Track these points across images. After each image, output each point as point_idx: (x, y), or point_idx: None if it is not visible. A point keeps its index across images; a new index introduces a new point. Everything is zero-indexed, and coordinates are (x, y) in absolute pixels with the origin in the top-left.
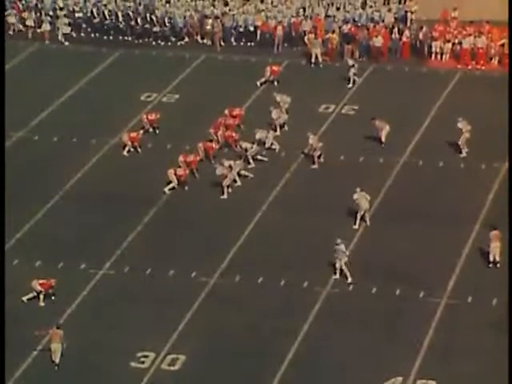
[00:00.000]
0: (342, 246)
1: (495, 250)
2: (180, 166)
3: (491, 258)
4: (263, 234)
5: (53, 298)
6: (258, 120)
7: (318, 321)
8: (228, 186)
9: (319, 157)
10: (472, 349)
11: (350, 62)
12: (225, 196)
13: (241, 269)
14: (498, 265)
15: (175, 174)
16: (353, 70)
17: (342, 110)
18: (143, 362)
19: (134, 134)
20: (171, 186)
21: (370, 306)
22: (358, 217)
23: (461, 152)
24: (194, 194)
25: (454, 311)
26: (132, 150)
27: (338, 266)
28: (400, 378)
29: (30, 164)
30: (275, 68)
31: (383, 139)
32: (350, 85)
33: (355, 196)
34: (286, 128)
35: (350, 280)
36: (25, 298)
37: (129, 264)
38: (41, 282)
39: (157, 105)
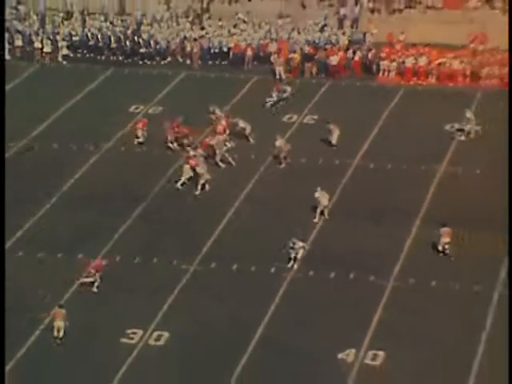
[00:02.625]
0: (298, 244)
1: (444, 244)
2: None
3: (440, 248)
4: (236, 227)
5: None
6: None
7: (283, 303)
8: (204, 185)
9: (285, 158)
10: (415, 324)
11: (288, 89)
12: (197, 192)
13: (216, 258)
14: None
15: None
16: (285, 95)
17: (304, 119)
18: (132, 338)
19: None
20: (184, 180)
21: (328, 289)
22: (318, 212)
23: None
24: (177, 192)
25: (398, 292)
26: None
27: (292, 256)
28: (354, 350)
29: (33, 167)
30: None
31: (334, 142)
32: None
33: (316, 194)
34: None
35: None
36: (81, 281)
37: (120, 254)
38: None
39: (144, 116)
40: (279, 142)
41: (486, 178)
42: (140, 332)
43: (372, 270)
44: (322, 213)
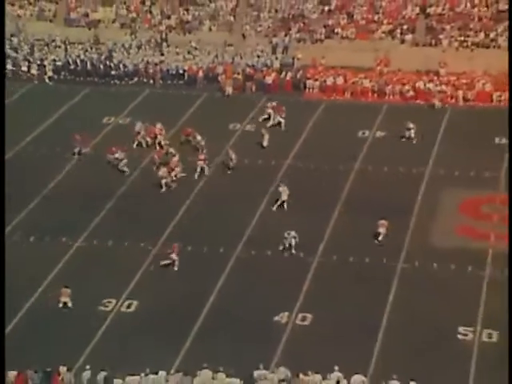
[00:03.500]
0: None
1: (380, 234)
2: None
3: (380, 238)
4: (191, 217)
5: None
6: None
7: (230, 278)
8: (166, 184)
9: (231, 165)
10: (336, 292)
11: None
12: (163, 190)
13: (175, 240)
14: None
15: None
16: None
17: (246, 128)
18: (107, 306)
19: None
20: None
21: (271, 265)
22: (278, 203)
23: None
24: (142, 189)
25: (323, 267)
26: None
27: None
28: (287, 313)
29: (26, 169)
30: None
31: (264, 144)
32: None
33: (280, 188)
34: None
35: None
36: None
37: (96, 238)
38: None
39: (115, 126)
40: (230, 153)
41: (391, 173)
42: (113, 301)
43: (302, 248)
44: (281, 205)
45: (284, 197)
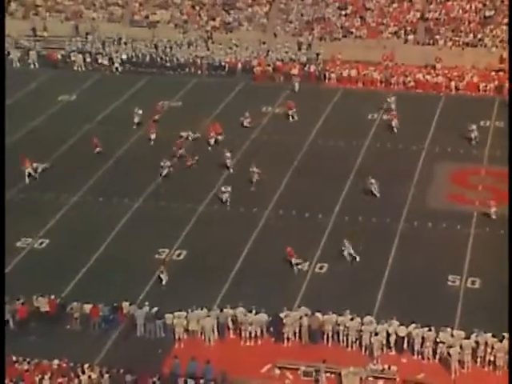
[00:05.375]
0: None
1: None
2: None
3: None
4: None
5: None
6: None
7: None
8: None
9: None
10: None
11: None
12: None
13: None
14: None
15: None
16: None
17: (276, 110)
18: (162, 255)
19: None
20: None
21: (294, 225)
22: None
23: None
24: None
25: (337, 225)
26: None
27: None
28: (307, 262)
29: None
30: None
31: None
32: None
33: (252, 169)
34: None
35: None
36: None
37: (152, 200)
38: None
39: (167, 109)
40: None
41: (394, 149)
42: (167, 250)
43: (320, 210)
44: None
45: (255, 177)
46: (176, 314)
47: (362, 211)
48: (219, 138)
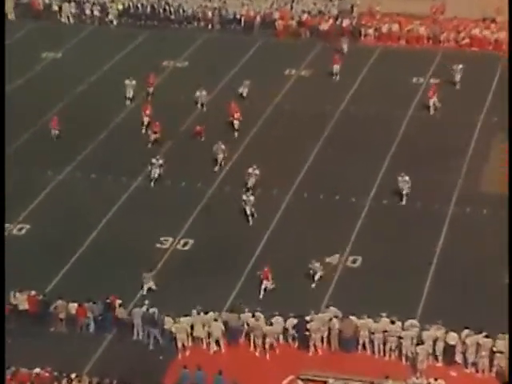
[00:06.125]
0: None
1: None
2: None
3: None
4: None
5: None
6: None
7: (284, 220)
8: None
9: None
10: (386, 235)
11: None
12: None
13: (231, 181)
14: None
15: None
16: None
17: (301, 73)
18: (164, 244)
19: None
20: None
21: (323, 209)
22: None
23: None
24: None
25: (374, 210)
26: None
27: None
28: (337, 255)
29: (89, 108)
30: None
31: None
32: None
33: (215, 147)
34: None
35: None
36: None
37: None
38: None
39: (173, 69)
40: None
41: (444, 119)
42: (170, 239)
43: (354, 192)
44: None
45: (220, 154)
46: (180, 319)
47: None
48: (235, 121)
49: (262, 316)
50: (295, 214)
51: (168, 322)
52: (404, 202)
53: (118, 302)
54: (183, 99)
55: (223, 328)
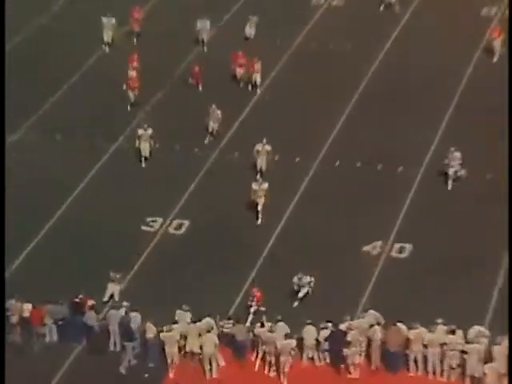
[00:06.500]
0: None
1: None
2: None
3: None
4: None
5: None
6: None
7: (306, 197)
8: None
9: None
10: (445, 217)
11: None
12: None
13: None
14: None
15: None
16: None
17: (333, 2)
18: (152, 226)
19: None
20: None
21: (354, 179)
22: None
23: None
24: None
25: (426, 184)
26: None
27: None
28: (379, 242)
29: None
30: None
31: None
32: None
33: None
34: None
35: None
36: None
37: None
38: None
39: None
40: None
41: None
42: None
43: (405, 162)
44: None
45: (215, 124)
46: (172, 326)
47: (467, 163)
48: (238, 70)
49: (280, 325)
50: (323, 186)
51: (150, 330)
52: (450, 187)
53: (90, 302)
54: (178, 33)
55: (217, 341)
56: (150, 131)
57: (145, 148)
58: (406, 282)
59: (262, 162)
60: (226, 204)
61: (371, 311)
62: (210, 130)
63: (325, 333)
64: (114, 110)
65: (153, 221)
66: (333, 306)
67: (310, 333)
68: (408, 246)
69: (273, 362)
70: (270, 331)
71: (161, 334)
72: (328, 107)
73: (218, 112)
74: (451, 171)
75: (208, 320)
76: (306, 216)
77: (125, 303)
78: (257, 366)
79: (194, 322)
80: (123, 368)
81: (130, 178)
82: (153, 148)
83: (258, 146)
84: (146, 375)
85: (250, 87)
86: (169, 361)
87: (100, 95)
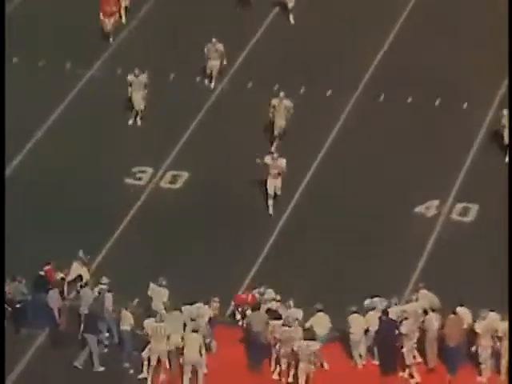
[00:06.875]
0: None
1: None
2: None
3: None
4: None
5: None
6: None
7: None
8: None
9: None
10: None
11: None
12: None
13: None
14: None
15: None
16: None
17: None
18: (140, 179)
19: None
20: None
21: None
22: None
23: None
24: None
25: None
26: None
27: None
28: (436, 201)
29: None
30: None
31: None
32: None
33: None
34: None
35: None
36: None
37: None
38: None
39: None
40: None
41: None
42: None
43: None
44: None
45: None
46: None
47: None
48: None
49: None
50: (361, 125)
51: (126, 319)
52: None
53: (59, 275)
54: None
55: (202, 342)
56: (144, 76)
57: (137, 99)
58: (469, 253)
59: (279, 122)
60: (232, 152)
61: (423, 291)
62: (209, 71)
63: (373, 318)
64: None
65: (141, 171)
66: (375, 284)
67: (356, 321)
68: (473, 207)
69: (284, 367)
70: (287, 324)
71: (145, 323)
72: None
73: (220, 46)
74: None
75: (199, 308)
76: (337, 163)
77: (104, 279)
78: (275, 373)
79: (186, 304)
80: (79, 362)
81: (111, 114)
82: (145, 106)
83: (274, 101)
84: (132, 371)
85: None
86: (152, 362)
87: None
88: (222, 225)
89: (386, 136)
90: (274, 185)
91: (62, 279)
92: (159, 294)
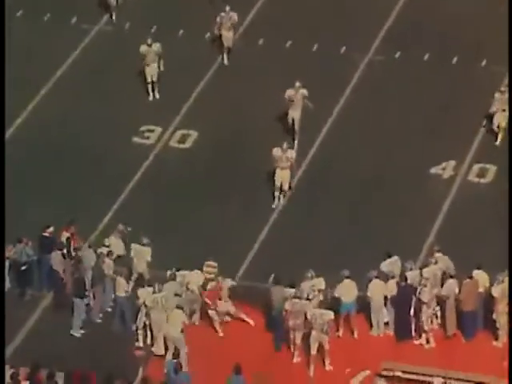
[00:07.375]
0: None
1: None
2: None
3: None
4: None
5: None
6: None
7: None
8: None
9: None
10: None
11: None
12: None
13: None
14: None
15: None
16: None
17: None
18: (148, 138)
19: None
20: None
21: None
22: None
23: None
24: None
25: None
26: None
27: None
28: (453, 162)
29: None
30: None
31: None
32: None
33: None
34: None
35: None
36: None
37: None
38: None
39: None
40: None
41: None
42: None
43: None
44: None
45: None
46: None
47: None
48: None
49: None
50: (376, 85)
51: (120, 286)
52: None
53: (66, 235)
54: None
55: (185, 320)
56: (157, 46)
57: (151, 71)
58: (487, 216)
59: (295, 114)
60: (243, 113)
61: (439, 254)
62: (226, 43)
63: (391, 285)
64: None
65: (149, 130)
66: (390, 247)
67: (376, 287)
68: (490, 168)
69: (297, 341)
70: (298, 296)
71: (139, 292)
72: None
73: (234, 15)
74: None
75: (195, 276)
76: (349, 127)
77: (107, 240)
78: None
79: (178, 270)
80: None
81: (117, 71)
82: (160, 73)
83: (290, 91)
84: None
85: None
86: (155, 332)
87: None
88: (232, 186)
89: (402, 95)
90: (281, 177)
91: (68, 239)
92: (142, 254)
